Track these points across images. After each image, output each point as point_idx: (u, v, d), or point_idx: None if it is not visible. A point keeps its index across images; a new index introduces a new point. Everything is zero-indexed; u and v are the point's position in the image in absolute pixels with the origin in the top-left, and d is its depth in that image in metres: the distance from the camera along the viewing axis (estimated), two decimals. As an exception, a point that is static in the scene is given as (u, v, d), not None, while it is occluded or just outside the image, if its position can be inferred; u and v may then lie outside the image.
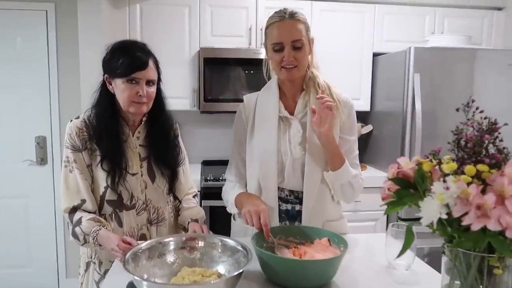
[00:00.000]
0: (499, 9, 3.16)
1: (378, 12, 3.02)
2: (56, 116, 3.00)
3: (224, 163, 3.07)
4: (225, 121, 3.25)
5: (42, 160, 3.02)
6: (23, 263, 3.09)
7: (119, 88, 1.35)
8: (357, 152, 1.49)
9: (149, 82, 1.38)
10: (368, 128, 3.11)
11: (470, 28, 3.09)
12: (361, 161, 1.57)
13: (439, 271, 1.23)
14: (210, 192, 2.53)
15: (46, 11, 2.94)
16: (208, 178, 2.67)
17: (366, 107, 3.10)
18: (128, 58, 1.33)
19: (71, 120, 1.43)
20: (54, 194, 3.06)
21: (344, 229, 1.51)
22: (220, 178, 2.66)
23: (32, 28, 2.93)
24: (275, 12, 1.39)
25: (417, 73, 2.57)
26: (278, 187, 1.44)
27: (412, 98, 2.58)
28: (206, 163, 3.20)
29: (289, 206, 1.45)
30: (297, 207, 1.44)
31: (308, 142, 1.40)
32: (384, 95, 3.00)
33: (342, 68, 2.97)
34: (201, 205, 2.07)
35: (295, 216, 1.45)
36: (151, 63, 1.38)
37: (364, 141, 3.20)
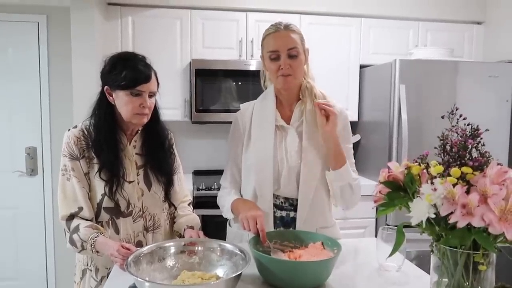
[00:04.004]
0: (479, 23, 3.31)
1: (364, 26, 3.13)
2: (47, 127, 3.01)
3: (215, 173, 3.13)
4: (216, 131, 3.30)
5: (32, 170, 3.01)
6: (12, 275, 3.06)
7: (122, 100, 1.39)
8: (353, 160, 1.54)
9: (150, 94, 1.42)
10: (356, 138, 3.18)
11: (451, 41, 3.22)
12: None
13: (427, 272, 1.29)
14: (202, 201, 2.56)
15: (38, 22, 2.97)
16: (200, 187, 2.70)
17: (354, 117, 3.18)
18: (131, 71, 1.37)
19: (69, 129, 1.46)
20: (44, 205, 3.05)
21: (336, 235, 1.54)
22: (212, 187, 2.70)
23: (23, 39, 2.95)
24: (271, 25, 1.45)
25: (402, 84, 2.66)
26: (274, 194, 1.48)
27: (398, 108, 2.67)
28: (197, 173, 3.23)
29: (284, 213, 1.49)
30: (292, 214, 1.48)
31: (303, 151, 1.44)
32: (371, 105, 3.09)
33: (330, 79, 3.05)
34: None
35: (290, 223, 1.48)
36: (153, 76, 1.42)
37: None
